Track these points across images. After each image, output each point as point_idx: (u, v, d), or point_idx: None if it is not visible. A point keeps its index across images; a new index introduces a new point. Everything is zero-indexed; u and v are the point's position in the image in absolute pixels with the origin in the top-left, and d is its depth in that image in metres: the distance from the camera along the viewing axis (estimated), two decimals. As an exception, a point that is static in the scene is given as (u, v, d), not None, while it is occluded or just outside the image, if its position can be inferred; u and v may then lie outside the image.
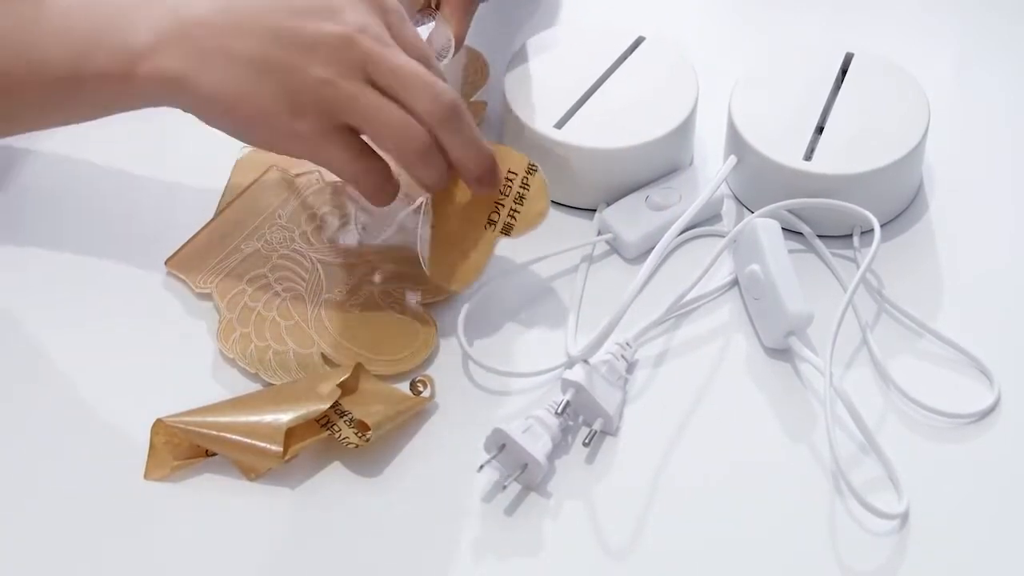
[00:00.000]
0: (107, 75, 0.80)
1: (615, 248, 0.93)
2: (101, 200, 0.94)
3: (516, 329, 0.89)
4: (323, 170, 0.92)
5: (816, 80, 0.97)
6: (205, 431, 0.81)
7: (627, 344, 0.86)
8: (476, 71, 1.01)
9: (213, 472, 0.82)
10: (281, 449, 0.80)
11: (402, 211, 0.90)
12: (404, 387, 0.85)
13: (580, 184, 0.94)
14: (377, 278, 0.89)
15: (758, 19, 1.10)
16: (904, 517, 0.80)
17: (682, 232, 0.91)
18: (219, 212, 0.93)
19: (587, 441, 0.83)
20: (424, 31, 0.93)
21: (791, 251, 0.90)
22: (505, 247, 0.91)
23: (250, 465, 0.81)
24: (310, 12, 0.79)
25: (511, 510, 0.81)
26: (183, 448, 0.82)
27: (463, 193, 0.86)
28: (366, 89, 0.79)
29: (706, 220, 0.95)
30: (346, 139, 0.81)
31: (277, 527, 0.80)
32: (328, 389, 0.82)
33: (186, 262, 0.90)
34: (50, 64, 0.81)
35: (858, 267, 0.90)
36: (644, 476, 0.82)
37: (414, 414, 0.84)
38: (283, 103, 0.79)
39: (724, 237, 0.92)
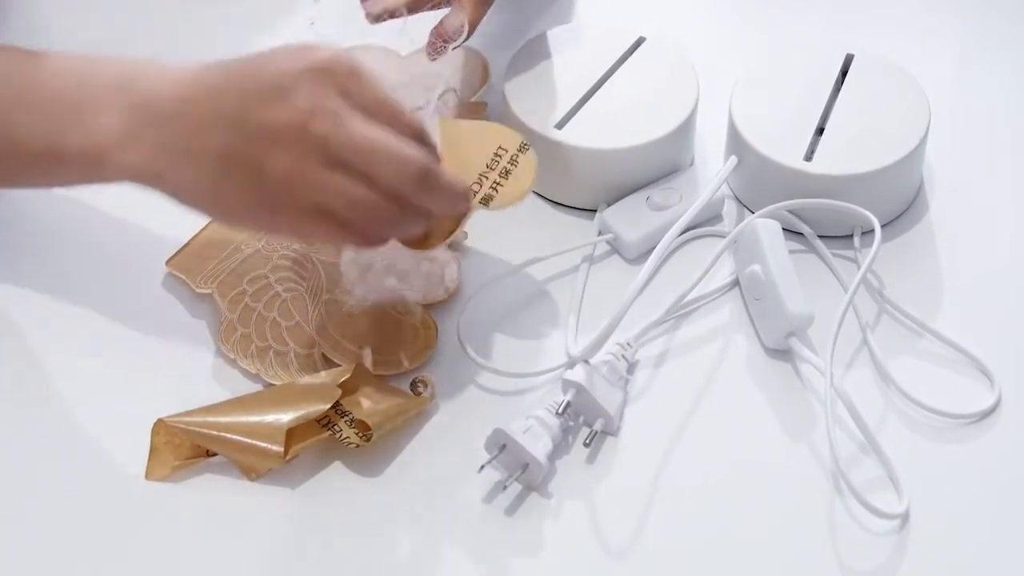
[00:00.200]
0: (80, 159, 0.79)
1: (616, 248, 0.93)
2: (101, 200, 0.94)
3: (516, 329, 0.89)
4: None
5: (816, 80, 0.97)
6: (206, 431, 0.81)
7: (628, 344, 0.86)
8: (476, 71, 1.01)
9: (214, 472, 0.82)
10: (282, 449, 0.80)
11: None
12: (404, 387, 0.85)
13: (580, 184, 0.94)
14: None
15: (758, 19, 1.10)
16: (904, 517, 0.80)
17: (683, 232, 0.91)
18: (220, 212, 0.93)
19: (588, 441, 0.83)
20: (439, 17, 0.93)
21: (792, 251, 0.90)
22: (505, 247, 0.91)
23: (251, 465, 0.81)
24: (261, 97, 0.76)
25: (512, 510, 0.81)
26: (184, 448, 0.82)
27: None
28: (330, 175, 0.76)
29: (707, 220, 0.95)
30: (325, 217, 0.78)
31: (277, 527, 0.81)
32: (328, 389, 0.82)
33: (186, 262, 0.90)
34: (25, 141, 0.79)
35: (859, 267, 0.90)
36: (645, 476, 0.82)
37: (414, 414, 0.84)
38: (254, 201, 0.77)
39: (725, 237, 0.92)
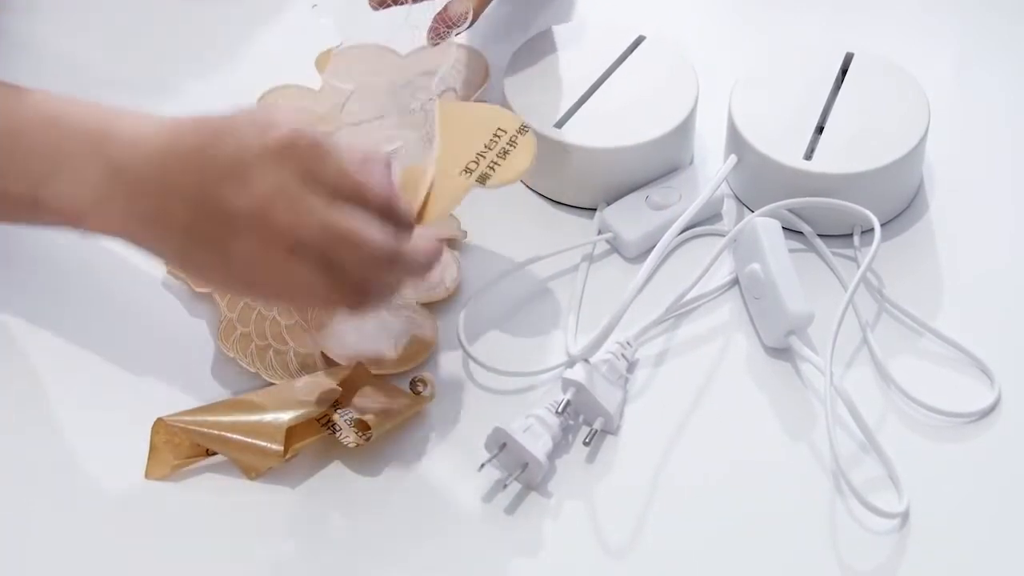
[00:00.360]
0: (58, 218, 0.78)
1: (615, 247, 0.93)
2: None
3: (516, 328, 0.89)
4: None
5: (816, 80, 0.97)
6: (206, 430, 0.81)
7: (627, 343, 0.86)
8: (477, 71, 1.01)
9: (213, 471, 0.82)
10: (282, 448, 0.80)
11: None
12: (404, 386, 0.85)
13: (580, 183, 0.94)
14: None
15: (758, 19, 1.10)
16: (904, 516, 0.80)
17: (682, 231, 0.91)
18: (219, 212, 0.93)
19: (587, 440, 0.83)
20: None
21: (791, 250, 0.90)
22: (505, 246, 0.91)
23: (250, 464, 0.81)
24: (221, 177, 0.74)
25: (511, 509, 0.81)
26: (184, 447, 0.82)
27: (440, 147, 0.86)
28: (296, 265, 0.74)
29: (706, 219, 0.94)
30: (301, 292, 0.77)
31: (277, 527, 0.80)
32: (328, 389, 0.82)
33: (186, 262, 0.90)
34: (8, 187, 0.78)
35: (858, 266, 0.90)
36: (644, 475, 0.82)
37: (414, 414, 0.84)
38: (225, 276, 0.77)
39: (724, 236, 0.91)
